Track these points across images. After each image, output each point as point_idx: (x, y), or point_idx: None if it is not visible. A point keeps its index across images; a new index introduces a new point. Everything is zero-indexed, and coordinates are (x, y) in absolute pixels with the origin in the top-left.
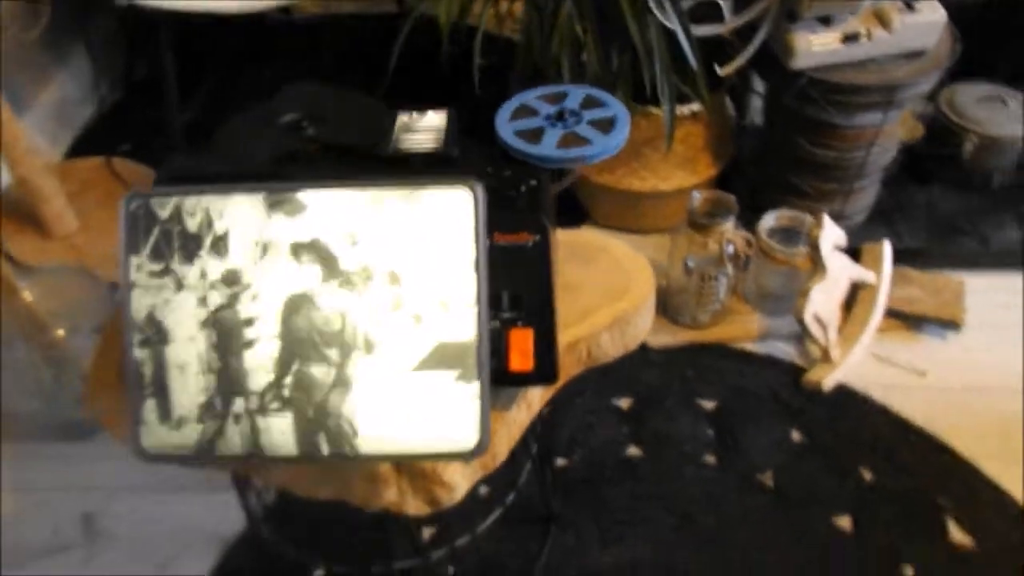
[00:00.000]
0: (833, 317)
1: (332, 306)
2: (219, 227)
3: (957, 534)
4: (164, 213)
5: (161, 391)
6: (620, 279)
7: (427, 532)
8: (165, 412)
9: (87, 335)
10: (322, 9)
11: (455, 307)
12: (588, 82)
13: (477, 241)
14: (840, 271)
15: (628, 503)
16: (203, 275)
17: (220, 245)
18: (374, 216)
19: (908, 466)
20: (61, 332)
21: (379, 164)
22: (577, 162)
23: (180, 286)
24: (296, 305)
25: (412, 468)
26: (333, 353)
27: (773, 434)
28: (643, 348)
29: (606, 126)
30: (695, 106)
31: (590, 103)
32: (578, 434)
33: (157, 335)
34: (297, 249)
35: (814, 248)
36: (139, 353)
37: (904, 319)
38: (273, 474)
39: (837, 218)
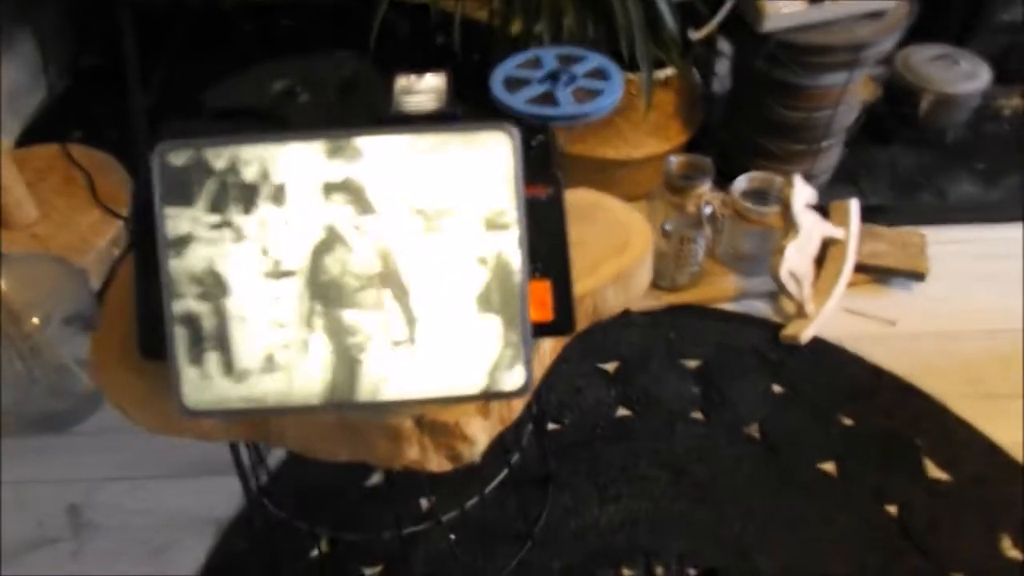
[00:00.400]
0: (807, 273)
1: (388, 250)
2: (276, 176)
3: (934, 470)
4: (220, 164)
5: (222, 344)
6: (619, 233)
7: (424, 503)
8: (227, 365)
9: (61, 324)
10: None
11: (496, 249)
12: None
13: (516, 182)
14: (812, 228)
15: (622, 462)
16: (263, 225)
17: (279, 194)
18: (422, 160)
19: (885, 410)
20: (36, 321)
21: (383, 127)
22: (537, 119)
23: (240, 237)
24: (355, 250)
25: (434, 424)
26: (389, 298)
27: (756, 387)
28: (624, 312)
29: (588, 96)
30: (669, 71)
31: (595, 74)
32: (567, 398)
33: (217, 287)
34: (355, 195)
35: (786, 207)
36: (198, 306)
37: (872, 272)
38: (289, 436)
39: (804, 178)
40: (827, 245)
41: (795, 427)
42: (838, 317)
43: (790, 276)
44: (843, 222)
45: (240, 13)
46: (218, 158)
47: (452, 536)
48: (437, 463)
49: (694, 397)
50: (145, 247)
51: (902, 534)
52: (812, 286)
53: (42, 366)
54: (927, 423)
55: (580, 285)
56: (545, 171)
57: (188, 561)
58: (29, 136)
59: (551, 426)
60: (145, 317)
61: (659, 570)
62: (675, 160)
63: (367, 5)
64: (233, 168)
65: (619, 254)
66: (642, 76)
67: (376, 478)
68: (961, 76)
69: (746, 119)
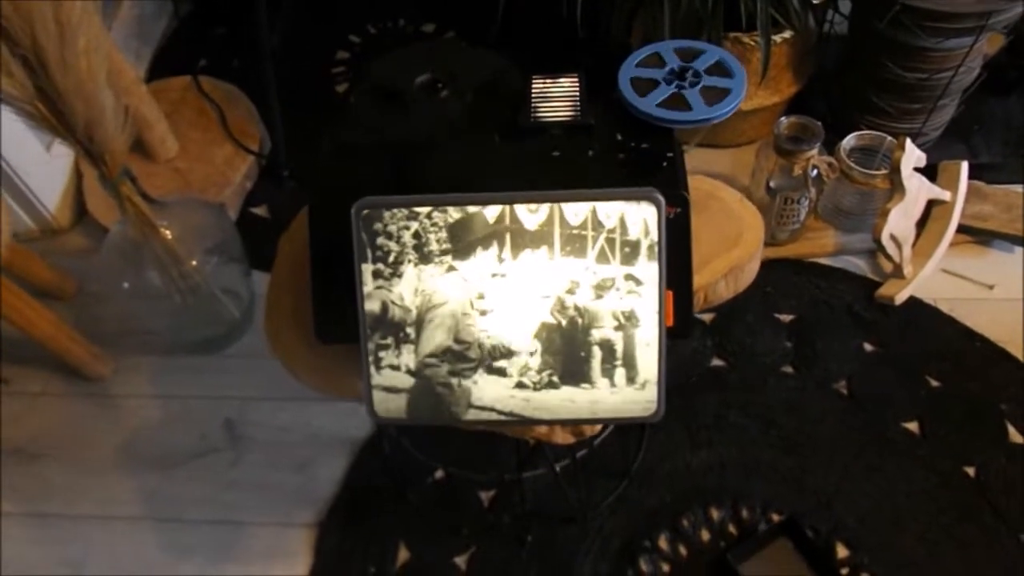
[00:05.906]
0: (909, 236)
1: (564, 286)
2: (464, 236)
3: (1016, 436)
4: (410, 223)
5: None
6: (733, 226)
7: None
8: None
9: (206, 256)
10: None
11: (631, 307)
12: (683, 11)
13: (660, 240)
14: (918, 192)
15: (715, 410)
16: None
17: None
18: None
19: (973, 373)
20: (194, 263)
21: (521, 134)
22: (670, 124)
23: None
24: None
25: None
26: (562, 325)
27: (848, 345)
28: None
29: (716, 96)
30: (786, 34)
31: (717, 69)
32: None
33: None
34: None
35: (895, 170)
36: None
37: (974, 234)
38: None
39: (915, 135)
40: (931, 205)
41: (882, 385)
42: (935, 277)
43: (891, 239)
44: (951, 184)
45: None
46: (408, 217)
47: (557, 470)
48: (562, 437)
49: (787, 351)
50: (322, 250)
51: (977, 494)
52: (912, 248)
53: (199, 298)
54: (1013, 388)
55: (694, 280)
56: (674, 192)
57: (329, 475)
58: (159, 64)
59: None
60: (322, 309)
61: (744, 513)
62: (785, 121)
63: None
64: (425, 227)
65: (732, 247)
66: (760, 42)
67: None
68: None
69: (861, 75)
